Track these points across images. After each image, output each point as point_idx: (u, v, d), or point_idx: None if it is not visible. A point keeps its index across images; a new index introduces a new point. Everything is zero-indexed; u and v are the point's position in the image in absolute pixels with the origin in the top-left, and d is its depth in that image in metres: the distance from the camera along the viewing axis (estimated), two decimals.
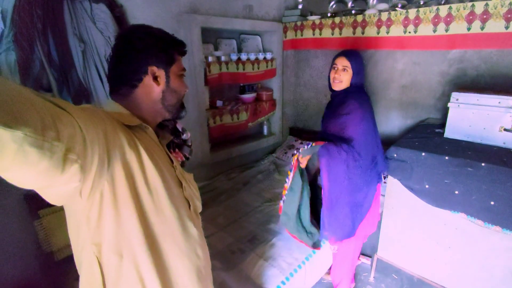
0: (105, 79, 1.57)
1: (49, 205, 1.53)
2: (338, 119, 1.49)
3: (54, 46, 1.42)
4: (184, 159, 0.90)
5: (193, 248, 0.77)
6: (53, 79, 1.47)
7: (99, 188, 0.59)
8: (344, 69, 1.48)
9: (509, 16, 1.55)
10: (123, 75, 0.72)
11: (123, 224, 0.64)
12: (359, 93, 1.50)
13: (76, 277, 1.61)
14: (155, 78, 0.74)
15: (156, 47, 0.73)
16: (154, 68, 0.73)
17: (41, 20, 1.34)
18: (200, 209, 0.86)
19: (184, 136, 0.93)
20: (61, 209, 1.54)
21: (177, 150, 0.89)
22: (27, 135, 0.37)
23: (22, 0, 1.30)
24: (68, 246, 1.58)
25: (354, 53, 1.51)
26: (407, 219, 1.67)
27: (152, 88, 0.74)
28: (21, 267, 1.50)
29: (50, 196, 0.53)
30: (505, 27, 1.57)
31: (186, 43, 0.81)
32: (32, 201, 1.50)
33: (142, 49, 0.72)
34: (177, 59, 0.78)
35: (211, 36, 2.31)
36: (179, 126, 0.92)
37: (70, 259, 1.56)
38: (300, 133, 3.01)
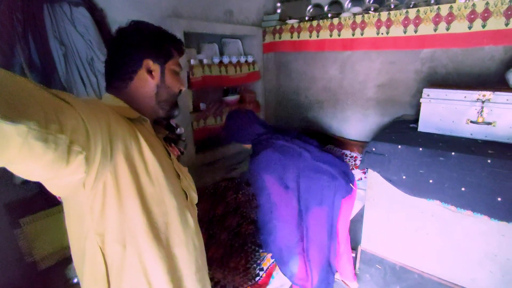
0: (87, 82, 1.56)
1: (30, 214, 1.49)
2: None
3: (35, 50, 1.40)
4: (179, 153, 0.93)
5: (190, 238, 0.79)
6: None
7: (102, 179, 0.60)
8: None
9: (472, 16, 1.68)
10: (118, 68, 0.75)
11: (126, 214, 0.65)
12: (255, 149, 1.55)
13: (61, 287, 1.57)
14: (150, 72, 0.75)
15: (150, 41, 0.76)
16: (149, 62, 0.75)
17: (21, 24, 1.32)
18: (196, 200, 0.89)
19: (178, 131, 0.95)
20: (43, 217, 1.53)
21: (172, 144, 0.91)
22: (31, 128, 0.38)
23: (2, 5, 1.28)
24: (51, 255, 1.56)
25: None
26: (387, 210, 1.75)
27: (147, 82, 0.76)
28: (2, 278, 1.45)
29: (54, 187, 0.54)
30: (468, 27, 1.70)
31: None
32: (13, 210, 1.46)
33: (136, 42, 0.74)
34: (174, 56, 0.80)
35: (193, 41, 2.34)
36: (172, 122, 0.95)
37: (54, 268, 1.54)
38: None
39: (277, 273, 1.51)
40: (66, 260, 1.57)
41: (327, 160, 1.56)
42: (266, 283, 1.42)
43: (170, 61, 0.79)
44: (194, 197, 0.88)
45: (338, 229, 1.61)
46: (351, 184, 1.57)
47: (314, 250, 1.54)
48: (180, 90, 0.84)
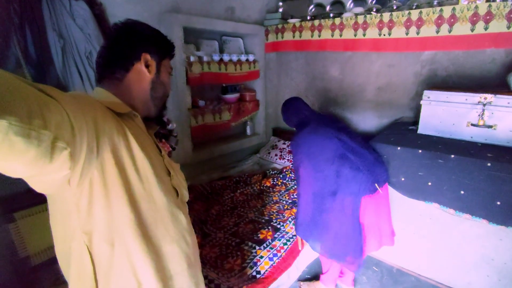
0: (84, 76, 1.55)
1: (25, 208, 1.47)
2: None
3: (32, 42, 1.38)
4: (170, 149, 0.91)
5: (182, 234, 0.78)
6: (30, 76, 1.43)
7: (88, 176, 0.58)
8: None
9: (474, 19, 1.67)
10: (115, 59, 0.74)
11: (114, 211, 0.64)
12: (297, 130, 1.66)
13: (54, 282, 1.55)
14: (147, 66, 0.76)
15: (150, 37, 0.78)
16: (147, 56, 0.75)
17: (18, 15, 1.30)
18: (187, 198, 0.87)
19: (170, 127, 0.94)
20: (37, 212, 1.51)
21: (163, 140, 0.89)
22: (12, 124, 0.37)
23: None
24: (45, 250, 1.54)
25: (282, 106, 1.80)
26: None
27: (143, 76, 0.76)
28: None
29: (38, 184, 0.52)
30: (470, 30, 1.69)
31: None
32: (6, 204, 1.44)
33: (141, 35, 0.76)
34: (168, 57, 0.82)
35: (192, 37, 2.32)
36: (164, 117, 0.93)
37: (47, 264, 1.52)
38: (283, 133, 3.07)
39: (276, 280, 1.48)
40: None
41: (357, 151, 1.50)
42: (264, 285, 1.40)
43: (164, 60, 0.81)
44: (185, 194, 0.86)
45: (363, 226, 1.50)
46: (376, 185, 1.46)
47: (335, 239, 1.48)
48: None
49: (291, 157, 2.72)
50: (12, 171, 0.43)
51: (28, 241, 1.49)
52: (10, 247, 1.45)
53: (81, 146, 0.52)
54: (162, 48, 0.80)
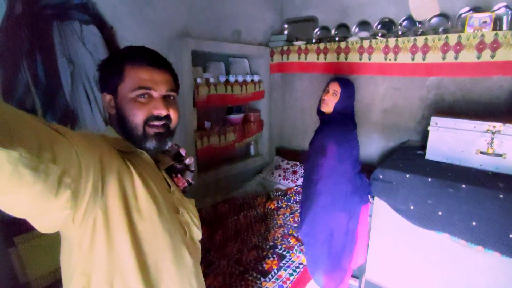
0: (93, 102, 1.55)
1: (25, 232, 1.45)
2: (316, 142, 1.62)
3: (42, 67, 1.40)
4: (186, 184, 0.90)
5: (187, 277, 0.75)
6: (38, 101, 1.44)
7: (92, 215, 0.58)
8: (333, 93, 1.57)
9: (480, 47, 1.67)
10: None
11: (116, 251, 0.62)
12: (340, 122, 1.59)
13: None
14: (110, 105, 0.72)
15: (100, 73, 0.73)
16: (106, 95, 0.72)
17: (29, 40, 1.32)
18: (199, 236, 0.84)
19: (187, 161, 0.92)
20: (37, 236, 1.48)
21: (179, 175, 0.87)
22: (23, 156, 0.37)
23: (10, 19, 1.28)
24: (46, 275, 1.50)
25: (348, 81, 1.63)
26: (394, 239, 1.70)
27: (112, 117, 0.74)
28: None
29: (42, 224, 0.52)
30: (477, 57, 1.70)
31: (172, 65, 0.77)
32: (7, 228, 1.41)
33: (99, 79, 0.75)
34: (128, 75, 0.68)
35: (200, 59, 2.35)
36: (182, 151, 0.92)
37: None
38: (286, 153, 3.05)
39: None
40: (60, 280, 1.52)
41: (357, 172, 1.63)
42: None
43: (121, 85, 0.68)
44: (197, 233, 0.82)
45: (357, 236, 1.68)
46: (369, 196, 1.64)
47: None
48: (157, 116, 0.70)
49: (295, 178, 2.68)
50: (17, 208, 0.43)
51: (28, 266, 1.46)
52: (10, 272, 1.41)
53: (86, 185, 0.52)
54: (111, 75, 0.69)
